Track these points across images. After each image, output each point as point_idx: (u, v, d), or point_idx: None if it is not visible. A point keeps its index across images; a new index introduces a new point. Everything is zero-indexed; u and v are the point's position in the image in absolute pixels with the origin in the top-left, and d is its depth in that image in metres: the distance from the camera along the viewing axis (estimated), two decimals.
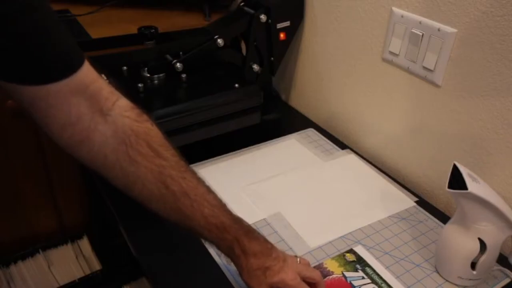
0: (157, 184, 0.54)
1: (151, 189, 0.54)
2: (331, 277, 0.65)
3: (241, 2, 0.99)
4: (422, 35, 0.76)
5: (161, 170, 0.54)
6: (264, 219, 0.76)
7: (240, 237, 0.57)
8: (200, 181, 0.58)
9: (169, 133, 0.81)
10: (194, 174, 0.58)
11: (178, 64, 0.88)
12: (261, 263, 0.57)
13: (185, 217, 0.56)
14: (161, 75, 0.91)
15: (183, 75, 0.91)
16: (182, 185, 0.55)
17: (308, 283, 0.59)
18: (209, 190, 0.58)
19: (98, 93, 0.51)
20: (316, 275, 0.61)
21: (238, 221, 0.59)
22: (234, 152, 0.93)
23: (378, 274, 0.66)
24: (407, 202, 0.82)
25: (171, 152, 0.56)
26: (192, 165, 0.88)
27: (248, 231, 0.59)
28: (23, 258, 1.19)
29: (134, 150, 0.53)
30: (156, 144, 0.55)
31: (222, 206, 0.58)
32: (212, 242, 0.59)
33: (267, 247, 0.59)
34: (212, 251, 0.69)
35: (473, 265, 0.63)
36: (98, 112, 0.51)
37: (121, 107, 0.53)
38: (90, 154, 0.52)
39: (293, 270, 0.58)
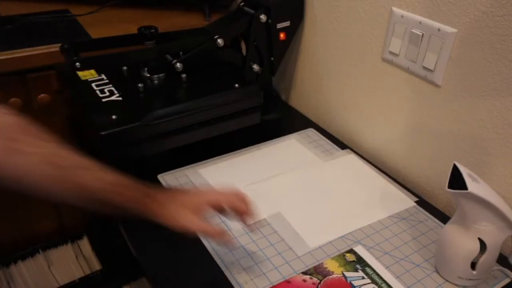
0: (48, 166, 0.54)
1: (43, 173, 0.54)
2: (331, 277, 0.65)
3: (241, 2, 0.99)
4: (422, 35, 0.76)
5: (49, 151, 0.55)
6: (264, 219, 0.76)
7: (145, 188, 0.60)
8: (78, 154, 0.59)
9: (169, 133, 0.82)
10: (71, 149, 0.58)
11: (178, 64, 0.88)
12: (171, 195, 0.60)
13: (85, 188, 0.56)
14: (161, 75, 0.91)
15: (183, 75, 0.91)
16: (72, 160, 0.57)
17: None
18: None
19: None
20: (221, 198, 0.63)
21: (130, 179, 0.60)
22: (234, 152, 0.93)
23: (378, 274, 0.66)
24: (407, 202, 0.82)
25: (45, 135, 0.57)
26: (192, 165, 0.89)
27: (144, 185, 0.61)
28: (23, 258, 1.19)
29: (18, 143, 0.53)
30: (37, 132, 0.56)
31: (113, 171, 0.59)
32: (117, 204, 0.59)
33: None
34: (212, 251, 0.69)
35: (473, 265, 0.63)
36: None
37: None
38: None
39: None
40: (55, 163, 0.55)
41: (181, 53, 0.91)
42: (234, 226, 0.74)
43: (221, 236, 0.60)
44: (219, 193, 0.64)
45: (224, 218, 0.75)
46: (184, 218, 0.59)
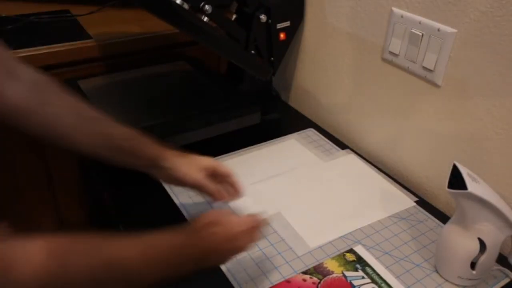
0: (74, 115, 0.63)
1: (69, 121, 0.62)
2: (331, 276, 0.65)
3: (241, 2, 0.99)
4: (422, 35, 0.76)
5: (73, 104, 0.64)
6: (264, 219, 0.76)
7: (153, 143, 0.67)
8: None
9: (170, 133, 0.82)
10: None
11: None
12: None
13: (106, 136, 0.65)
14: None
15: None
16: (93, 112, 0.65)
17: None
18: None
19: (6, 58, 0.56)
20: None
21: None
22: (234, 152, 0.93)
23: (378, 274, 0.66)
24: (407, 202, 0.82)
25: (68, 91, 0.65)
26: None
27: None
28: None
29: (47, 94, 0.62)
30: (62, 88, 0.64)
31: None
32: (134, 151, 0.66)
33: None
34: None
35: (472, 265, 0.63)
36: (7, 73, 0.58)
37: (28, 68, 0.61)
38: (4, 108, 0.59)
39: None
40: (79, 113, 0.64)
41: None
42: None
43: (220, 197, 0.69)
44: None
45: None
46: (193, 171, 0.67)
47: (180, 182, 0.68)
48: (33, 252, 0.40)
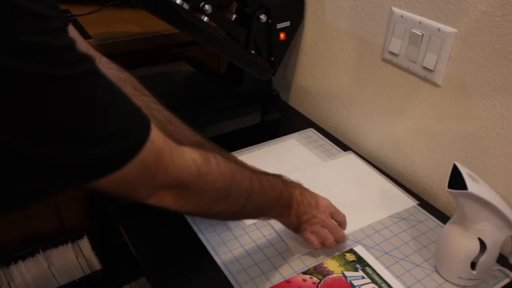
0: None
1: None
2: (331, 276, 0.65)
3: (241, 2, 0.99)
4: (422, 35, 0.76)
5: (147, 104, 0.65)
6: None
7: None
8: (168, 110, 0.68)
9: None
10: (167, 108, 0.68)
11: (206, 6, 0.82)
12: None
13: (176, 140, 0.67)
14: None
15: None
16: (165, 114, 0.66)
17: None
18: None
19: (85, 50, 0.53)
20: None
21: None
22: (234, 152, 0.93)
23: (378, 274, 0.66)
24: (407, 202, 0.82)
25: (148, 92, 0.67)
26: None
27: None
28: (23, 258, 1.19)
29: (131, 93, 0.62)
30: (138, 86, 0.66)
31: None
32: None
33: None
34: (212, 251, 0.69)
35: (473, 265, 0.63)
36: None
37: (105, 61, 0.62)
38: None
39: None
40: (152, 115, 0.64)
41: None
42: (233, 226, 0.74)
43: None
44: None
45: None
46: None
47: None
48: (189, 149, 0.50)
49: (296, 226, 0.67)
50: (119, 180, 0.42)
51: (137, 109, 0.43)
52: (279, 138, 0.99)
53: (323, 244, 0.68)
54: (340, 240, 0.69)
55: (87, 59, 0.37)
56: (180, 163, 0.48)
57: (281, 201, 0.63)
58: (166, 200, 0.49)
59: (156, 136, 0.44)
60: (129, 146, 0.41)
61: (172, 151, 0.47)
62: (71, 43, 0.36)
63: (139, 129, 0.42)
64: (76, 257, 1.23)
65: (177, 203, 0.50)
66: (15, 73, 0.32)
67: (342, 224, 0.70)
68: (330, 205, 0.69)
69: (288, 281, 0.65)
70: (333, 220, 0.69)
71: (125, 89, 0.48)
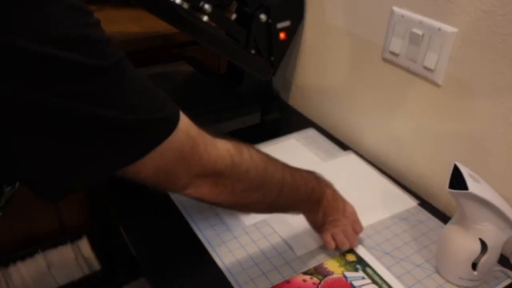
0: None
1: None
2: (331, 277, 0.65)
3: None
4: (423, 34, 0.76)
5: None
6: (264, 219, 0.76)
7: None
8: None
9: None
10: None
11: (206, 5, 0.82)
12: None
13: None
14: None
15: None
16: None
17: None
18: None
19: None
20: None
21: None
22: None
23: (378, 275, 0.66)
24: (408, 202, 0.81)
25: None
26: None
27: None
28: (23, 258, 1.18)
29: None
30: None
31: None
32: None
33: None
34: (212, 251, 0.69)
35: (474, 266, 0.63)
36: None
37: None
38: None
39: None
40: None
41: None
42: (233, 226, 0.74)
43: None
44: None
45: (223, 218, 0.75)
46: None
47: None
48: (222, 140, 0.52)
49: (321, 224, 0.68)
50: (161, 164, 0.45)
51: (160, 90, 0.46)
52: (279, 138, 0.99)
53: (337, 248, 0.69)
54: (353, 247, 0.70)
55: (118, 49, 0.40)
56: (214, 152, 0.50)
57: (312, 197, 0.64)
58: (203, 190, 0.51)
59: (190, 126, 0.48)
60: (172, 114, 0.45)
61: (206, 141, 0.50)
62: (107, 35, 0.39)
63: (171, 103, 0.46)
64: (75, 257, 1.23)
65: (213, 193, 0.52)
66: (75, 65, 0.35)
67: (358, 234, 0.71)
68: (354, 213, 0.70)
69: (288, 281, 0.64)
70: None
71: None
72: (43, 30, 0.34)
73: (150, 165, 0.44)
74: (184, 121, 0.47)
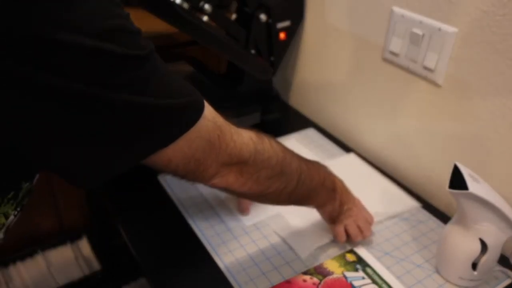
0: None
1: None
2: (331, 277, 0.65)
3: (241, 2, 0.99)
4: (423, 34, 0.75)
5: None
6: (264, 219, 0.76)
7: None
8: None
9: None
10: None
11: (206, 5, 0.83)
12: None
13: None
14: None
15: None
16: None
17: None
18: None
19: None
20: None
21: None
22: None
23: (378, 275, 0.66)
24: (408, 202, 0.81)
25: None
26: None
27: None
28: (22, 258, 1.18)
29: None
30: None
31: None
32: None
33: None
34: (212, 251, 0.69)
35: (474, 266, 0.63)
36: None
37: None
38: None
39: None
40: None
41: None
42: (233, 226, 0.74)
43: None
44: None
45: (223, 218, 0.75)
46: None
47: None
48: (244, 129, 0.54)
49: (338, 214, 0.68)
50: (191, 152, 0.46)
51: (184, 79, 0.47)
52: (279, 138, 0.98)
53: (348, 241, 0.70)
54: (365, 238, 0.71)
55: (149, 40, 0.41)
56: (239, 140, 0.52)
57: (326, 184, 0.65)
58: (229, 179, 0.53)
59: (216, 115, 0.49)
60: (199, 101, 0.47)
61: (232, 130, 0.51)
62: (137, 27, 0.41)
63: (195, 91, 0.47)
64: (75, 257, 1.23)
65: (239, 181, 0.53)
66: (113, 55, 0.36)
67: (370, 224, 0.71)
68: (361, 202, 0.72)
69: (288, 282, 0.64)
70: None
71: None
72: (82, 23, 0.34)
73: (180, 153, 0.46)
74: (210, 110, 0.48)
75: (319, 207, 0.67)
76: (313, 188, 0.63)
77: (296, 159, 0.61)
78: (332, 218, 0.69)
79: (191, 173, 0.49)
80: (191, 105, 0.46)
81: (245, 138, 0.53)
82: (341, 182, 0.69)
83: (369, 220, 0.71)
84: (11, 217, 0.47)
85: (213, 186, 0.53)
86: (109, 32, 0.36)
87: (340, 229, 0.68)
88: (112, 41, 0.36)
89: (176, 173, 0.49)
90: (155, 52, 0.42)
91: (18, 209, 0.47)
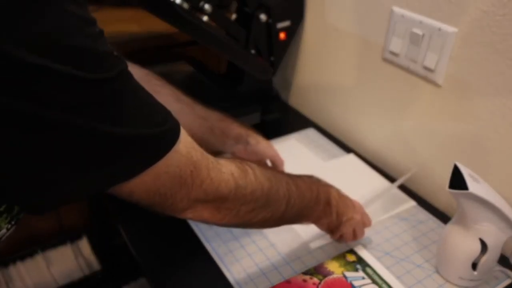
0: (176, 102, 0.73)
1: (174, 107, 0.57)
2: (331, 277, 0.65)
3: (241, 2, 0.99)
4: (423, 34, 0.75)
5: (173, 91, 0.74)
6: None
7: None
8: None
9: None
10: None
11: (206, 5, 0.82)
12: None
13: (201, 119, 0.76)
14: None
15: None
16: (188, 97, 0.75)
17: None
18: None
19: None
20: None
21: None
22: None
23: (378, 275, 0.66)
24: (408, 202, 0.81)
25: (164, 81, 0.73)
26: None
27: None
28: (22, 258, 1.18)
29: (153, 85, 0.67)
30: (160, 78, 0.73)
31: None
32: (223, 131, 0.77)
33: None
34: (212, 251, 0.69)
35: (474, 266, 0.63)
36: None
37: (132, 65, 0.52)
38: None
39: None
40: (179, 99, 0.73)
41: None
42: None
43: None
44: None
45: None
46: (270, 145, 0.80)
47: (261, 155, 0.78)
48: (226, 162, 0.51)
49: (337, 226, 0.65)
50: (157, 186, 0.43)
51: (161, 105, 0.43)
52: (279, 138, 0.99)
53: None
54: (356, 240, 0.70)
55: (121, 59, 0.38)
56: (217, 177, 0.48)
57: (320, 199, 0.62)
58: (203, 215, 0.49)
59: (192, 149, 0.45)
60: (171, 131, 0.42)
61: (209, 165, 0.47)
62: (110, 47, 0.37)
63: (172, 119, 0.43)
64: (75, 257, 1.23)
65: (215, 217, 0.50)
66: (75, 79, 0.34)
67: (367, 227, 0.70)
68: (361, 206, 0.70)
69: (288, 281, 0.64)
70: None
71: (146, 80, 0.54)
72: (44, 41, 0.32)
73: (143, 187, 0.42)
74: (186, 142, 0.44)
75: (315, 222, 0.65)
76: (304, 206, 0.60)
77: (284, 182, 0.57)
78: (331, 230, 0.67)
79: (157, 205, 0.46)
80: (160, 136, 0.41)
81: (224, 174, 0.48)
82: (337, 192, 0.66)
83: (366, 224, 0.69)
84: (3, 231, 0.44)
85: (186, 218, 0.49)
86: (68, 52, 0.33)
87: (337, 238, 0.67)
88: (70, 61, 0.33)
89: (140, 204, 0.45)
90: (129, 75, 0.39)
91: (13, 222, 0.44)
